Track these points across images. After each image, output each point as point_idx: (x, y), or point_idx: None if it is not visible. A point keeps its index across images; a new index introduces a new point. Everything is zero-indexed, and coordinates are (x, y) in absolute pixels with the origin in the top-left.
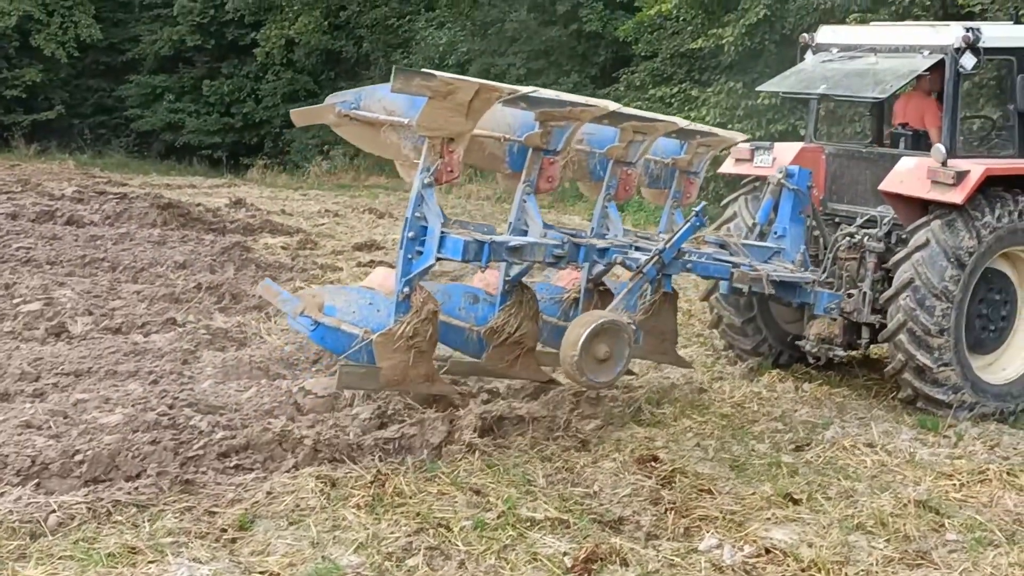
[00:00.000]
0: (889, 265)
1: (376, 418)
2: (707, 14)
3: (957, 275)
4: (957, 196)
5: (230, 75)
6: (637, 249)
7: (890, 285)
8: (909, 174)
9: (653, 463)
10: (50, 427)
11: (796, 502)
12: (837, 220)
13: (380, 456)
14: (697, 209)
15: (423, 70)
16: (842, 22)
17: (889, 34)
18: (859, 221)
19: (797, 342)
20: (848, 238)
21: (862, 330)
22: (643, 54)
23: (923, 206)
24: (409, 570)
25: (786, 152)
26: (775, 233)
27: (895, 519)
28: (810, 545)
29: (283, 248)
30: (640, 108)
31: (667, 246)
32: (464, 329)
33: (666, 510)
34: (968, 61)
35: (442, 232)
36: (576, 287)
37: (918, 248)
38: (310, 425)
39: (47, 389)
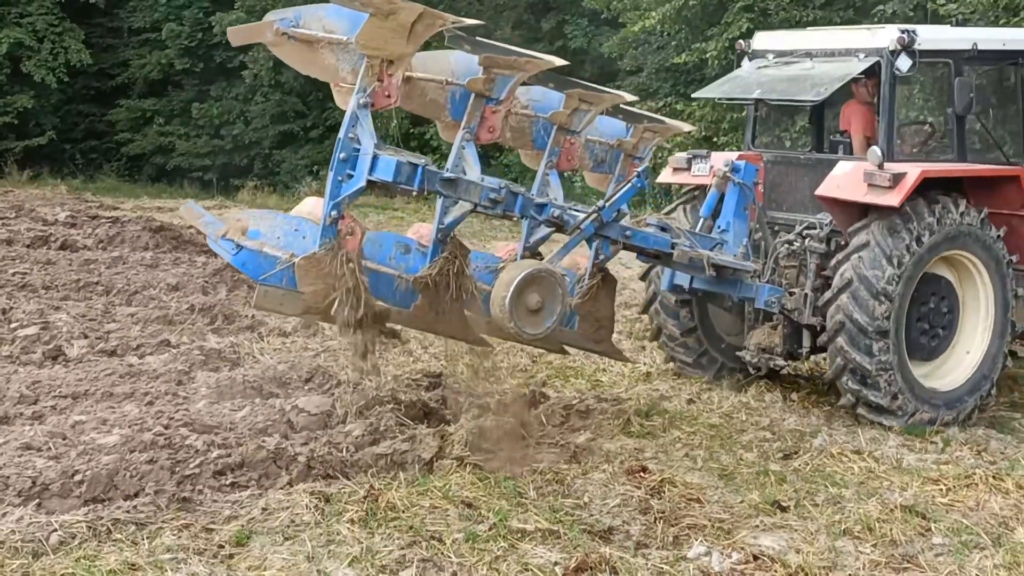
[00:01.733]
0: (828, 268)
1: (369, 435)
2: (690, 29)
3: (896, 276)
4: (893, 199)
5: (219, 97)
6: (576, 211)
7: (830, 288)
8: (846, 178)
9: (642, 473)
10: (50, 448)
11: (784, 509)
12: (776, 228)
13: (373, 472)
14: (639, 170)
15: None
16: None
17: (825, 38)
18: (798, 228)
19: (738, 353)
20: (787, 245)
21: (803, 338)
22: (628, 69)
23: (860, 211)
24: None
25: (723, 161)
26: (719, 228)
27: (882, 524)
28: (797, 551)
29: None
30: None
31: (607, 204)
32: (394, 278)
33: (655, 519)
34: (904, 63)
35: (375, 152)
36: (512, 256)
37: (858, 249)
38: (304, 442)
39: (45, 411)
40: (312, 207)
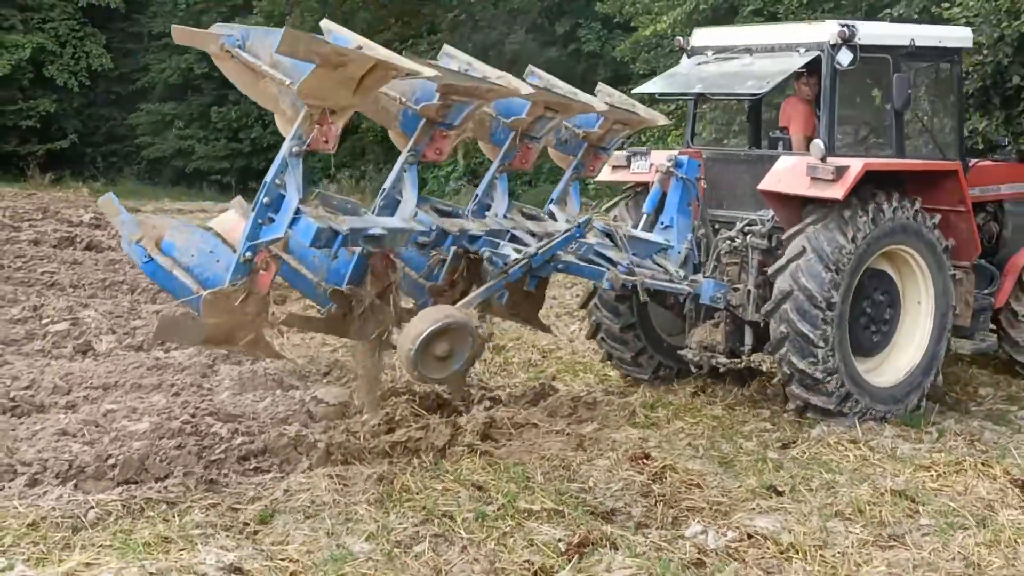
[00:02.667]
0: (769, 272)
1: (384, 423)
2: None
3: (836, 280)
4: (837, 191)
5: (237, 102)
6: (513, 239)
7: (772, 287)
8: (788, 172)
9: (645, 460)
10: (84, 435)
11: (779, 493)
12: (716, 226)
13: (389, 458)
14: (581, 220)
15: (315, 34)
16: None
17: (764, 34)
18: (739, 225)
19: (679, 351)
20: (729, 242)
21: (745, 335)
22: (641, 72)
23: (802, 205)
24: (416, 555)
25: (663, 158)
26: (662, 224)
27: (872, 507)
28: (790, 531)
29: None
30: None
31: (539, 252)
32: (312, 282)
33: (656, 502)
34: (844, 57)
35: (298, 208)
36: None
37: (794, 257)
38: (323, 431)
39: (78, 401)
40: (232, 226)
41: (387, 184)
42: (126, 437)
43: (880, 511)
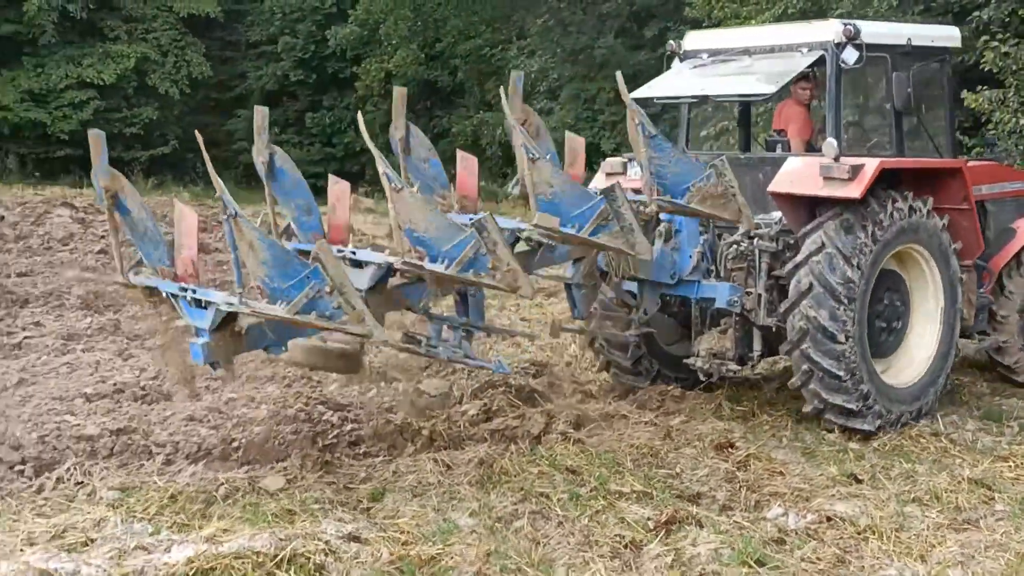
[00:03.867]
0: (783, 273)
1: (482, 413)
2: None
3: (856, 276)
4: (854, 190)
5: (331, 107)
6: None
7: (783, 291)
8: (799, 173)
9: (730, 449)
10: (209, 420)
11: (859, 481)
12: (718, 230)
13: (487, 444)
14: (497, 359)
15: None
16: None
17: (762, 35)
18: (741, 229)
19: (686, 360)
20: (735, 246)
21: (755, 341)
22: None
23: (811, 207)
24: (516, 530)
25: None
26: (676, 230)
27: (949, 494)
28: (868, 515)
29: None
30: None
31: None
32: None
33: (740, 487)
34: (850, 56)
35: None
36: None
37: (813, 252)
38: (426, 420)
39: (201, 391)
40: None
41: None
42: (247, 423)
43: (956, 497)
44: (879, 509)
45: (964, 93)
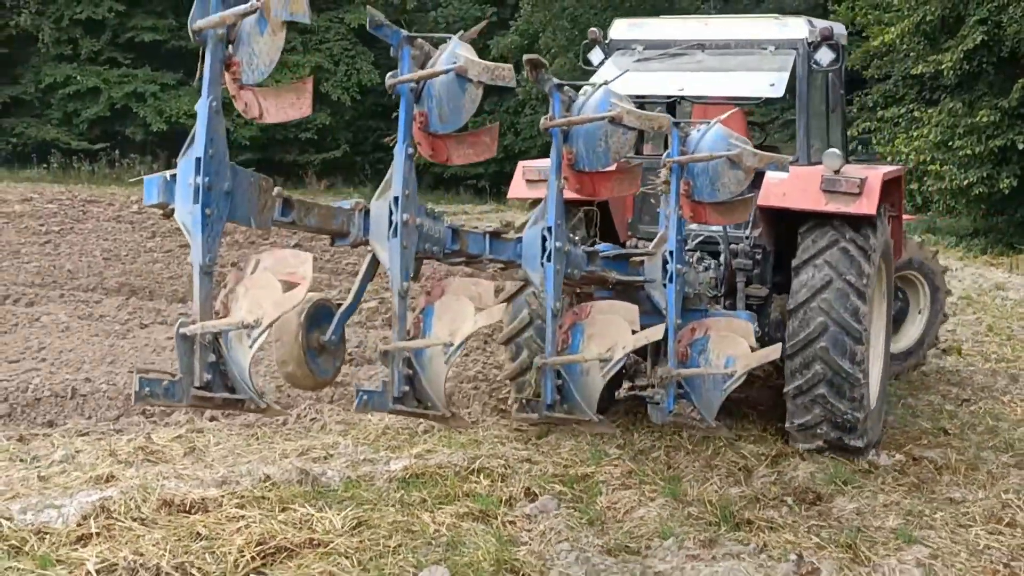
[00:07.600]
0: (789, 308)
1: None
2: (929, 41)
3: (866, 309)
4: (867, 206)
5: (492, 111)
6: None
7: (767, 315)
8: (795, 186)
9: None
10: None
11: (947, 433)
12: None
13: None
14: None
15: None
16: None
17: (711, 29)
18: (691, 244)
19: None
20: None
21: None
22: (876, 77)
23: (788, 221)
24: (653, 458)
25: None
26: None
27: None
28: (947, 458)
29: None
30: (869, 128)
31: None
32: None
33: None
34: (825, 56)
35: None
36: None
37: (820, 289)
38: None
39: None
40: None
41: None
42: None
43: None
44: (960, 454)
45: None
